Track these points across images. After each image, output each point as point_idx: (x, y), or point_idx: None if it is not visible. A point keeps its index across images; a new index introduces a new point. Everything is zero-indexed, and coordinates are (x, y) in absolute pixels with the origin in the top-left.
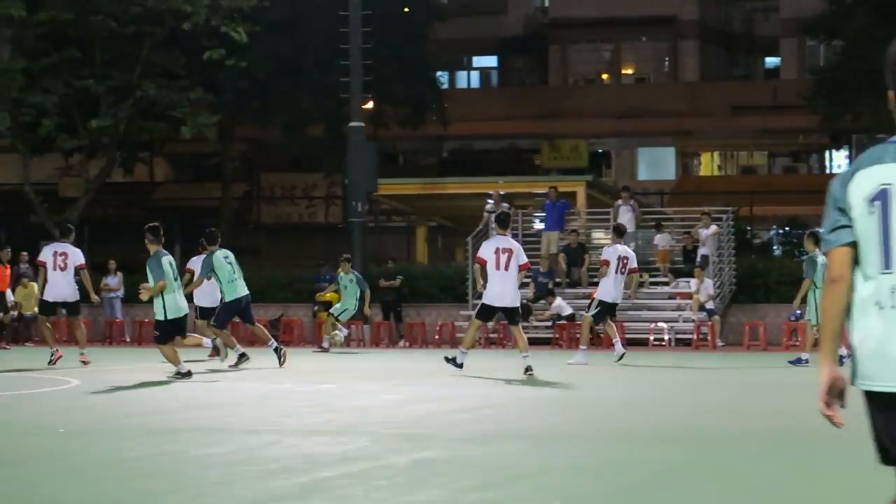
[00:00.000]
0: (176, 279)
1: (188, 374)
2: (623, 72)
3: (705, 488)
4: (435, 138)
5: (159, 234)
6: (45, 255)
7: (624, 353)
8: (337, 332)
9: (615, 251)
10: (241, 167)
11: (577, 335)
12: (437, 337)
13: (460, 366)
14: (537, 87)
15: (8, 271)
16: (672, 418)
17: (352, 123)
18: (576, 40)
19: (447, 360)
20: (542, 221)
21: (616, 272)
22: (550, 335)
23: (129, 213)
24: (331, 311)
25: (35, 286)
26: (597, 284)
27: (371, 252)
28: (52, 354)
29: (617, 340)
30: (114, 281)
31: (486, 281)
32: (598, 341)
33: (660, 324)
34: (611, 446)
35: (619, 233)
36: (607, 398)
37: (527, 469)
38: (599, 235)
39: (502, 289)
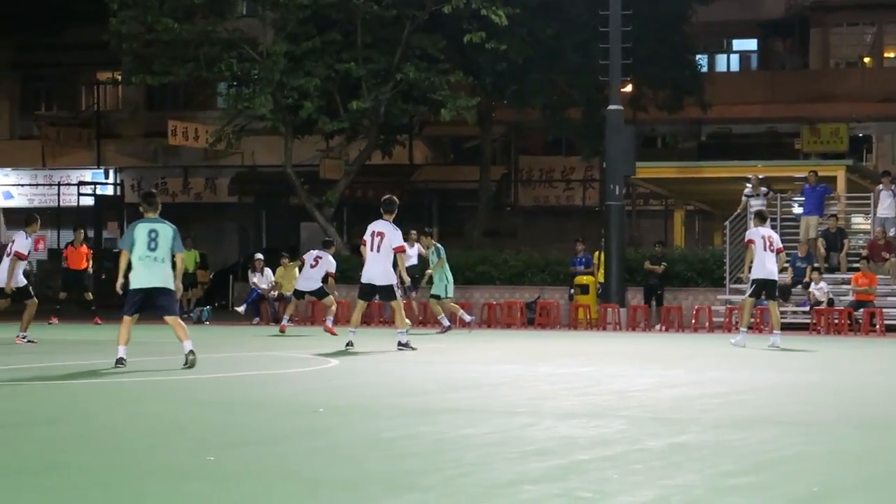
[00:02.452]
0: (152, 249)
1: (120, 362)
2: (885, 55)
3: None
4: (693, 122)
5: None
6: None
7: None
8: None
9: (758, 231)
10: (500, 150)
11: (835, 321)
12: (693, 321)
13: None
14: (798, 70)
15: (84, 251)
16: None
17: (610, 107)
18: (838, 23)
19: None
20: (800, 206)
21: (765, 250)
22: (808, 320)
23: (388, 194)
24: (431, 293)
25: (295, 267)
26: (857, 270)
27: (627, 236)
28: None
29: (775, 330)
30: None
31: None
32: (857, 327)
33: None
34: (869, 434)
35: (762, 218)
36: (864, 385)
37: (784, 454)
38: (859, 220)
39: (773, 265)
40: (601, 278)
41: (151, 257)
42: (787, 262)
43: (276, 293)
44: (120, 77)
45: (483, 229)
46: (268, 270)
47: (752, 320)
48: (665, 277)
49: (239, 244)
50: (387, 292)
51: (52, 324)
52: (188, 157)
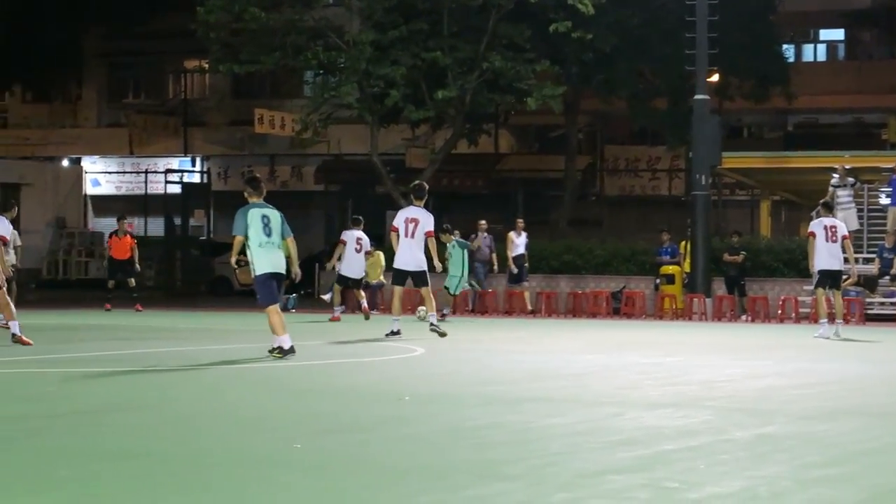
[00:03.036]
0: (268, 234)
1: (290, 350)
2: None
3: None
4: (779, 112)
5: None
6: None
7: (827, 334)
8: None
9: (820, 222)
10: (586, 139)
11: None
12: (779, 312)
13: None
14: (885, 60)
15: (128, 241)
16: None
17: (696, 96)
18: None
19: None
20: (887, 196)
21: (827, 241)
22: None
23: (473, 183)
24: (445, 285)
25: (382, 255)
26: None
27: (713, 226)
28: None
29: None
30: None
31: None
32: None
33: None
34: None
35: (828, 208)
36: None
37: (870, 446)
38: None
39: (836, 256)
40: (687, 268)
41: (270, 243)
42: (874, 252)
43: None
44: (207, 65)
45: (568, 219)
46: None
47: (830, 311)
48: (745, 268)
49: (325, 232)
50: (420, 278)
51: (108, 310)
52: (274, 145)
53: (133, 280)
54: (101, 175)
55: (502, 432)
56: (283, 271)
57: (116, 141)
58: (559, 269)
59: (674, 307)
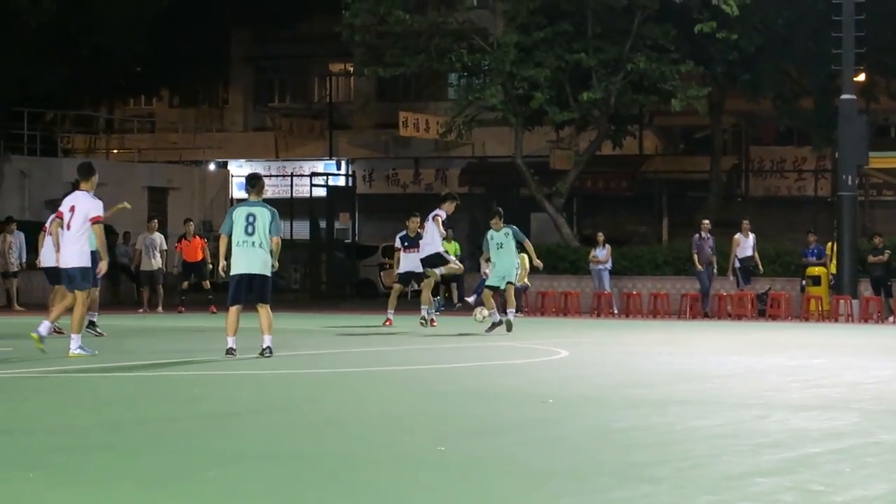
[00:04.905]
0: (250, 233)
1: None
2: None
3: None
4: None
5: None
6: None
7: None
8: (479, 309)
9: None
10: (731, 140)
11: None
12: None
13: None
14: None
15: (198, 243)
16: None
17: (843, 96)
18: None
19: None
20: None
21: None
22: None
23: (618, 185)
24: (486, 283)
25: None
26: None
27: (860, 226)
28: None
29: None
30: (602, 253)
31: None
32: None
33: None
34: None
35: None
36: None
37: None
38: None
39: None
40: (833, 269)
41: (249, 242)
42: None
43: None
44: (352, 68)
45: (713, 220)
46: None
47: None
48: (891, 268)
49: (469, 235)
50: (431, 261)
51: (181, 313)
52: (419, 147)
53: (207, 282)
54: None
55: (647, 434)
56: (261, 272)
57: (262, 144)
58: None
59: (820, 309)
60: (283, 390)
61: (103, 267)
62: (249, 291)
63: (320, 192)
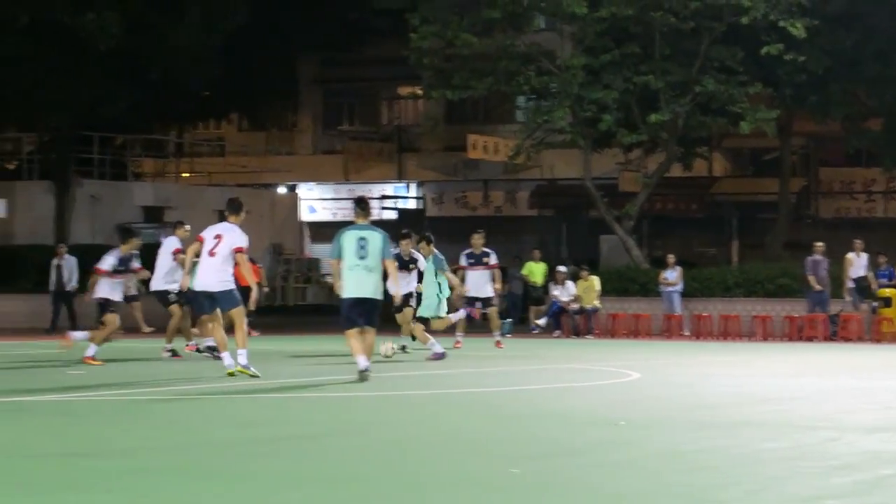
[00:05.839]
0: (362, 257)
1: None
2: None
3: None
4: None
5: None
6: None
7: None
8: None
9: None
10: (800, 161)
11: None
12: None
13: None
14: None
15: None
16: None
17: None
18: None
19: None
20: None
21: None
22: None
23: (687, 207)
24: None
25: (596, 280)
26: None
27: None
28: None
29: None
30: (672, 275)
31: None
32: None
33: None
34: None
35: None
36: None
37: None
38: None
39: None
40: None
41: (361, 266)
42: None
43: (577, 306)
44: (420, 91)
45: (783, 242)
46: (569, 283)
47: None
48: None
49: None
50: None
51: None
52: (488, 170)
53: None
54: (316, 202)
55: (716, 457)
56: (372, 296)
57: (331, 167)
58: (774, 292)
59: (892, 330)
60: (354, 412)
61: (255, 296)
62: (358, 315)
63: (389, 215)
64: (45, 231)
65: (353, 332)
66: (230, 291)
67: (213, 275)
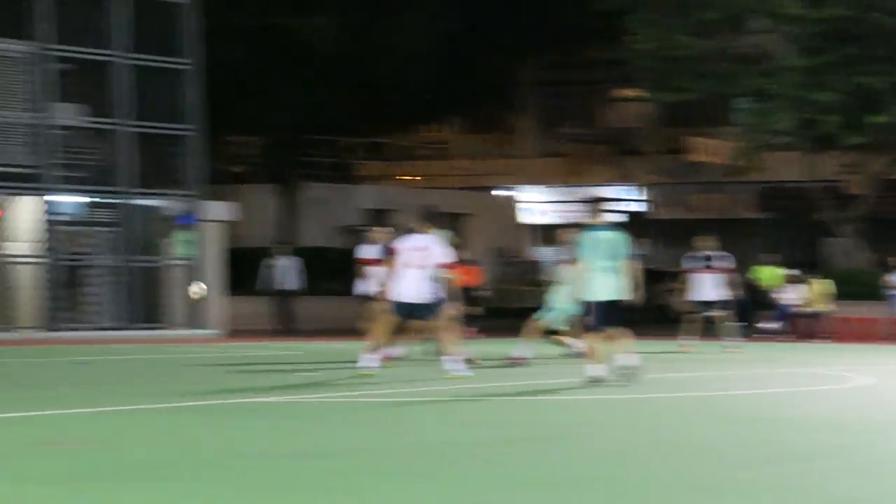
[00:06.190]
0: (607, 258)
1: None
2: None
3: None
4: None
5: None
6: None
7: None
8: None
9: None
10: None
11: None
12: None
13: None
14: None
15: (474, 268)
16: None
17: None
18: None
19: None
20: None
21: None
22: None
23: None
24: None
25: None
26: None
27: None
28: None
29: None
30: None
31: None
32: None
33: None
34: None
35: None
36: None
37: None
38: None
39: None
40: None
41: (607, 268)
42: None
43: (807, 309)
44: (645, 94)
45: None
46: (800, 286)
47: None
48: None
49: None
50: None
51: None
52: (709, 172)
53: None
54: (537, 204)
55: None
56: (620, 297)
57: (551, 170)
58: None
59: None
60: (560, 415)
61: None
62: (608, 318)
63: (616, 218)
64: (272, 233)
65: (598, 335)
66: (434, 304)
67: (422, 285)
